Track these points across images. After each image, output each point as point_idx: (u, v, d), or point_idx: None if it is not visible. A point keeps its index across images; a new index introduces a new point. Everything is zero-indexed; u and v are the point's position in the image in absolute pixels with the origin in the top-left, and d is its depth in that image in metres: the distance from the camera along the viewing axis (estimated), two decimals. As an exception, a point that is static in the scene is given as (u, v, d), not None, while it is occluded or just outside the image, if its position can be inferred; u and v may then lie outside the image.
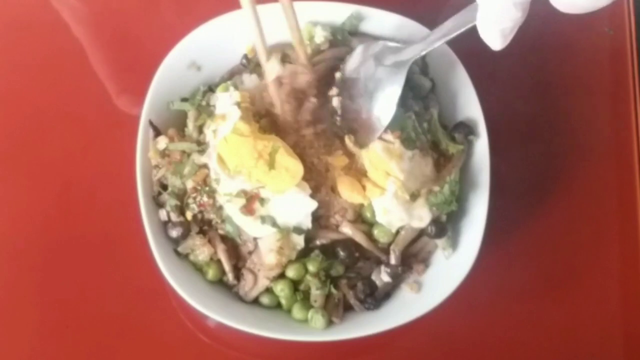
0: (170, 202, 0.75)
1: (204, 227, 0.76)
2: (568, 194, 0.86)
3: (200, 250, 0.75)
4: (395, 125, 0.73)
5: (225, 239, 0.75)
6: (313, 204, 0.72)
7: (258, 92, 0.77)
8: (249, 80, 0.79)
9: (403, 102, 0.76)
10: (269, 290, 0.75)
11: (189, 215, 0.75)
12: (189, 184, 0.75)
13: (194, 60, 0.80)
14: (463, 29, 0.65)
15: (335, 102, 0.75)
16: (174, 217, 0.75)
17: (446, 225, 0.75)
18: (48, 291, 0.80)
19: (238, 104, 0.74)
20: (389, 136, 0.73)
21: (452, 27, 0.67)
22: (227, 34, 0.80)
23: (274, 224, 0.72)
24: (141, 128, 0.76)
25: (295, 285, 0.75)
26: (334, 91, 0.76)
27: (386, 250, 0.75)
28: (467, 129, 0.78)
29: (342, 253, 0.75)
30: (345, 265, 0.75)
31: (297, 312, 0.74)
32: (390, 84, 0.72)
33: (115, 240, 0.81)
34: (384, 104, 0.72)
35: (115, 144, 0.85)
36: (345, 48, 0.80)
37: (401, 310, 0.74)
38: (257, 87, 0.77)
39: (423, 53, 0.71)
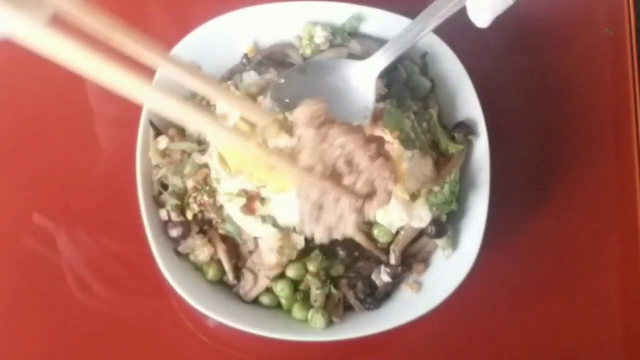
0: (171, 201, 0.75)
1: (205, 226, 0.76)
2: (568, 193, 0.86)
3: (201, 250, 0.75)
4: (394, 125, 0.73)
5: (225, 238, 0.75)
6: (314, 204, 0.72)
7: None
8: (248, 77, 0.78)
9: (402, 102, 0.76)
10: (269, 290, 0.75)
11: (189, 214, 0.75)
12: (190, 184, 0.75)
13: (194, 60, 0.80)
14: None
15: None
16: (175, 216, 0.75)
17: (446, 225, 0.75)
18: (48, 290, 0.80)
19: (238, 104, 0.74)
20: (388, 136, 0.73)
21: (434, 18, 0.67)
22: (227, 34, 0.80)
23: (275, 223, 0.72)
24: (141, 128, 0.76)
25: (295, 285, 0.75)
26: None
27: (386, 250, 0.75)
28: (467, 129, 0.78)
29: (342, 253, 0.75)
30: (345, 265, 0.75)
31: (297, 312, 0.74)
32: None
33: (116, 240, 0.81)
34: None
35: (115, 144, 0.85)
36: (345, 48, 0.80)
37: (401, 310, 0.74)
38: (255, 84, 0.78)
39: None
